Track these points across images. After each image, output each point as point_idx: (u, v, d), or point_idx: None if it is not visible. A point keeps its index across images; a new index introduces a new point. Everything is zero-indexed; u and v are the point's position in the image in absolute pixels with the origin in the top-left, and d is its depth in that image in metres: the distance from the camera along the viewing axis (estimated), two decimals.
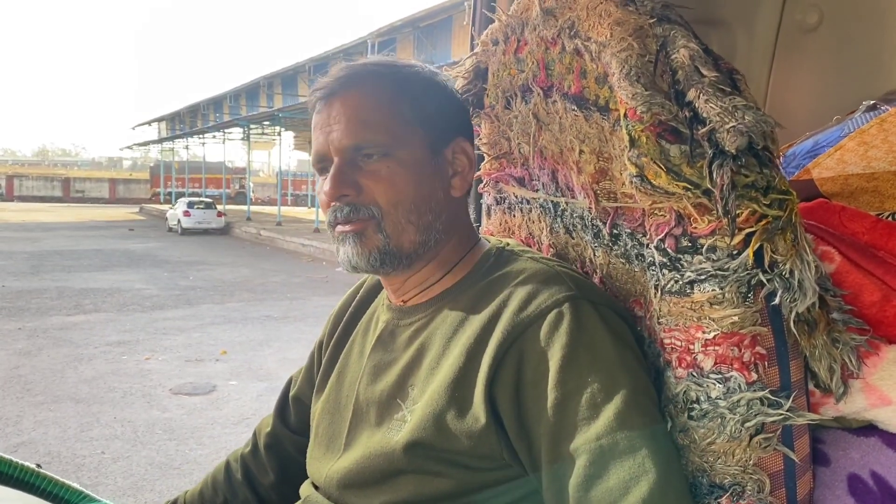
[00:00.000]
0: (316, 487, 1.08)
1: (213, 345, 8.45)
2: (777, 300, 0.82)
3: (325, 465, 1.05)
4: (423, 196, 1.00)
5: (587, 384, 0.83)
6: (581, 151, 0.99)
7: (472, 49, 1.29)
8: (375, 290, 1.20)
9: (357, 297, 1.23)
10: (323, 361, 1.20)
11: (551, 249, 1.15)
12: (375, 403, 1.02)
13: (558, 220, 1.12)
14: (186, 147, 48.53)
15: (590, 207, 1.02)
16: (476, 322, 0.95)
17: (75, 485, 1.01)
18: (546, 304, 0.90)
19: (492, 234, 1.30)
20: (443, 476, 0.91)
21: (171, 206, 34.03)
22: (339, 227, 1.00)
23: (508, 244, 1.08)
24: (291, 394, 1.31)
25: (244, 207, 37.20)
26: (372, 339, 1.09)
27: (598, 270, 1.04)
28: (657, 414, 0.87)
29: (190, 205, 28.34)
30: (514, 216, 1.26)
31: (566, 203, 1.09)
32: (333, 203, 0.99)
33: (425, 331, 1.01)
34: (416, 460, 0.92)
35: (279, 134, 33.98)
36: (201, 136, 43.13)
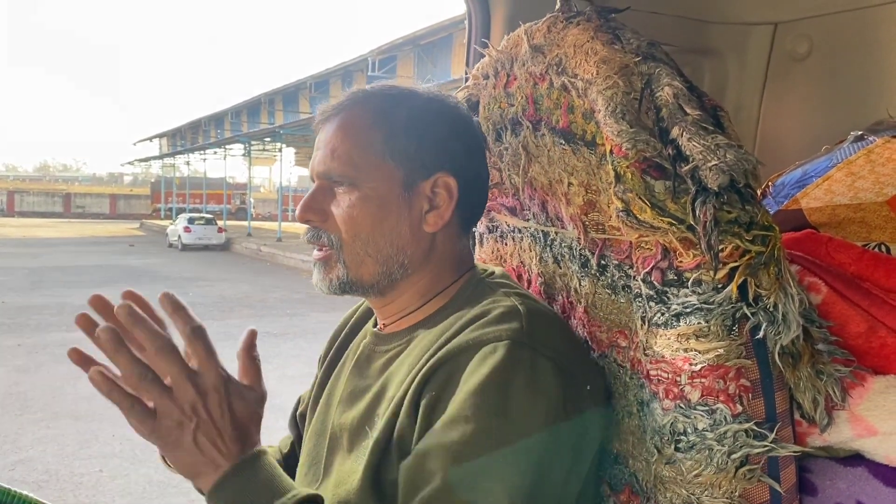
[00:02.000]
0: None
1: None
2: (761, 333, 0.83)
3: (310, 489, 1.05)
4: (383, 231, 0.99)
5: (478, 422, 0.82)
6: (570, 184, 1.01)
7: (465, 82, 1.32)
8: (370, 311, 1.20)
9: (355, 316, 1.23)
10: (317, 381, 1.20)
11: (539, 278, 1.17)
12: (348, 429, 1.01)
13: (548, 249, 1.14)
14: (187, 163, 48.67)
15: (579, 238, 1.03)
16: (431, 352, 0.93)
17: None
18: (486, 338, 0.88)
19: (484, 262, 1.31)
20: None
21: (171, 221, 34.08)
22: (314, 252, 1.04)
23: (493, 273, 1.06)
24: (298, 412, 1.30)
25: (245, 223, 37.24)
26: (352, 362, 1.10)
27: (582, 300, 1.05)
28: (541, 480, 0.85)
29: (190, 220, 28.39)
30: (506, 244, 1.28)
31: (556, 233, 1.11)
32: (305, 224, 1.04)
33: (395, 362, 1.01)
34: (375, 490, 0.91)
35: (280, 150, 34.10)
36: (202, 151, 43.29)
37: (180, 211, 41.38)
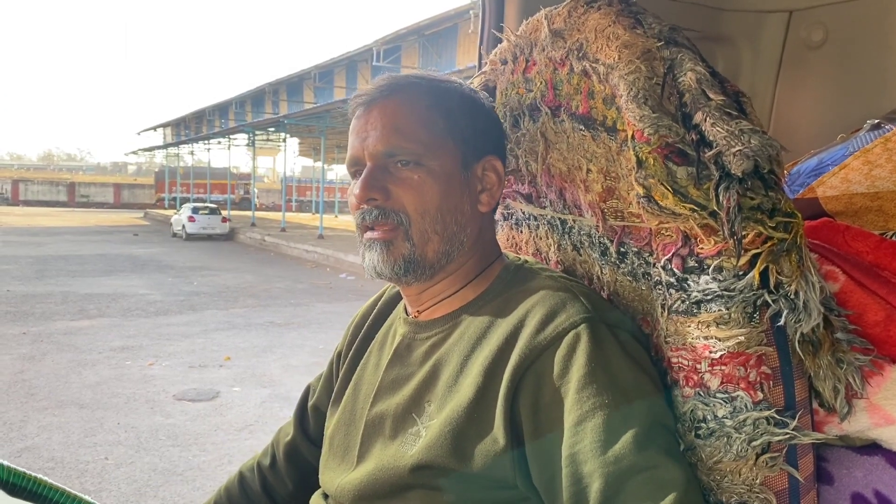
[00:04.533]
0: (326, 497, 1.09)
1: (217, 351, 8.48)
2: (782, 321, 0.83)
3: (339, 476, 1.06)
4: (450, 207, 1.01)
5: (604, 406, 0.83)
6: (588, 170, 1.00)
7: (479, 67, 1.31)
8: (394, 301, 1.21)
9: (376, 309, 1.23)
10: (341, 372, 1.21)
11: (559, 266, 1.16)
12: (391, 417, 1.02)
13: (566, 237, 1.13)
14: (191, 152, 48.75)
15: (597, 226, 1.03)
16: (494, 341, 0.95)
17: (80, 494, 1.01)
18: (563, 327, 0.90)
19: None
20: (449, 493, 0.92)
21: (175, 211, 34.13)
22: (368, 234, 1.02)
23: (527, 261, 1.09)
24: (310, 403, 1.31)
25: (249, 213, 37.29)
26: (389, 352, 1.10)
27: (605, 287, 1.05)
28: (673, 437, 0.87)
29: (194, 210, 28.43)
30: (522, 232, 1.28)
31: (573, 220, 1.11)
32: (362, 206, 1.01)
33: (442, 346, 1.02)
34: (425, 476, 0.93)
35: (284, 140, 34.10)
36: (206, 141, 43.28)
37: (184, 200, 41.45)
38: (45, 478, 0.96)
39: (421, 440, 0.95)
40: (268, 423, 5.82)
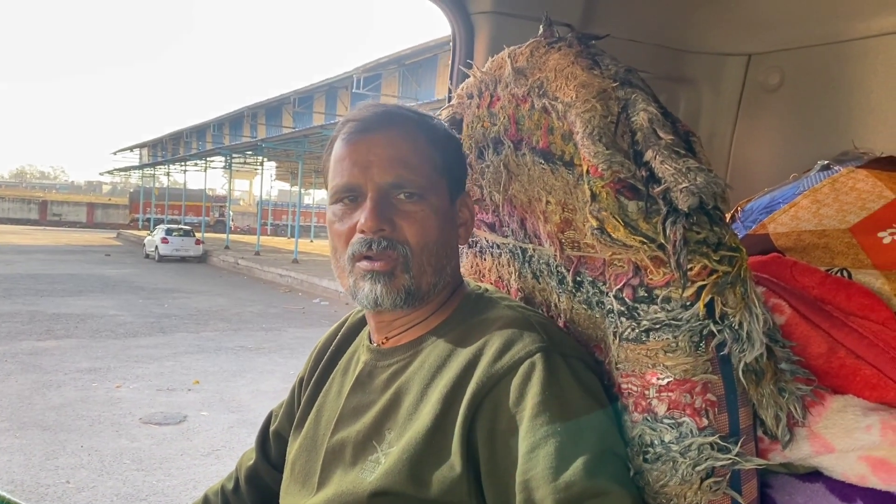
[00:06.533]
0: None
1: (186, 374, 8.37)
2: (727, 350, 0.87)
3: (299, 501, 1.07)
4: (443, 241, 1.05)
5: (557, 434, 0.86)
6: (548, 202, 1.04)
7: (449, 100, 1.35)
8: (357, 327, 1.23)
9: (339, 335, 1.25)
10: (303, 398, 1.21)
11: (519, 293, 1.20)
12: (351, 444, 1.03)
13: (526, 265, 1.17)
14: (167, 174, 48.37)
15: (555, 255, 1.07)
16: (453, 369, 0.97)
17: None
18: (520, 356, 0.93)
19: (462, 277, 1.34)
20: None
21: (149, 232, 33.79)
22: (364, 264, 1.01)
23: (487, 290, 1.12)
24: (272, 428, 1.32)
25: (223, 236, 37.01)
26: (351, 379, 1.11)
27: (562, 315, 1.08)
28: (624, 464, 0.90)
29: (168, 231, 28.20)
30: (485, 259, 1.31)
31: (534, 249, 1.14)
32: (367, 236, 1.00)
33: (403, 374, 1.04)
34: (383, 502, 0.94)
35: (261, 164, 33.99)
36: (183, 163, 43.03)
37: (158, 222, 41.08)
38: (8, 495, 0.97)
39: (380, 467, 0.96)
40: (235, 449, 5.76)
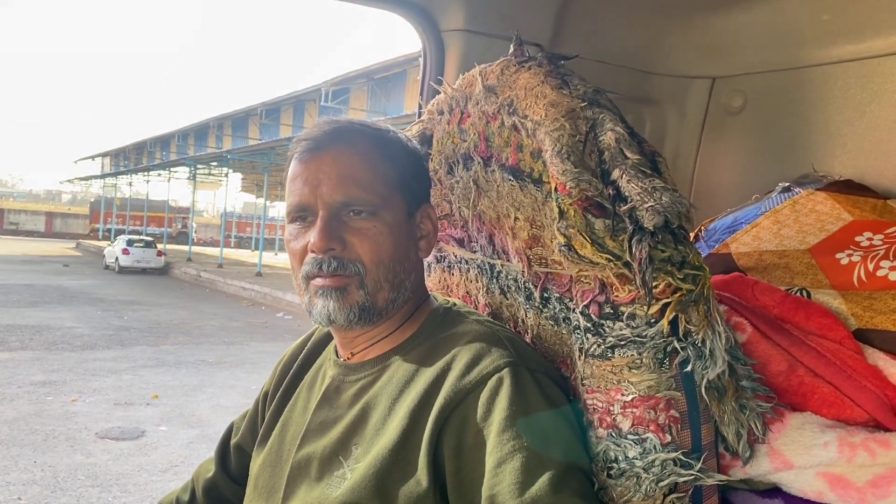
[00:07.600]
0: None
1: (145, 388, 8.21)
2: (690, 367, 0.88)
3: None
4: (400, 257, 1.04)
5: (523, 449, 0.86)
6: (516, 218, 1.05)
7: (419, 116, 1.36)
8: (324, 342, 1.22)
9: (306, 348, 1.24)
10: (268, 412, 1.20)
11: (487, 308, 1.20)
12: (318, 459, 1.02)
13: (494, 280, 1.18)
14: (130, 184, 47.63)
15: (523, 271, 1.07)
16: (421, 384, 0.97)
17: None
18: (487, 371, 0.93)
19: (431, 291, 1.35)
20: None
21: (109, 242, 33.18)
22: (318, 281, 1.01)
23: (455, 304, 1.12)
24: (233, 441, 1.30)
25: (186, 247, 36.52)
26: (318, 394, 1.11)
27: (529, 331, 1.09)
28: (588, 479, 0.90)
29: (129, 242, 27.73)
30: (454, 275, 1.31)
31: (502, 265, 1.15)
32: (318, 255, 1.00)
33: (371, 389, 1.04)
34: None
35: (226, 175, 33.66)
36: (146, 173, 42.41)
37: (119, 232, 40.34)
38: None
39: (346, 482, 0.95)
40: (194, 464, 5.63)
